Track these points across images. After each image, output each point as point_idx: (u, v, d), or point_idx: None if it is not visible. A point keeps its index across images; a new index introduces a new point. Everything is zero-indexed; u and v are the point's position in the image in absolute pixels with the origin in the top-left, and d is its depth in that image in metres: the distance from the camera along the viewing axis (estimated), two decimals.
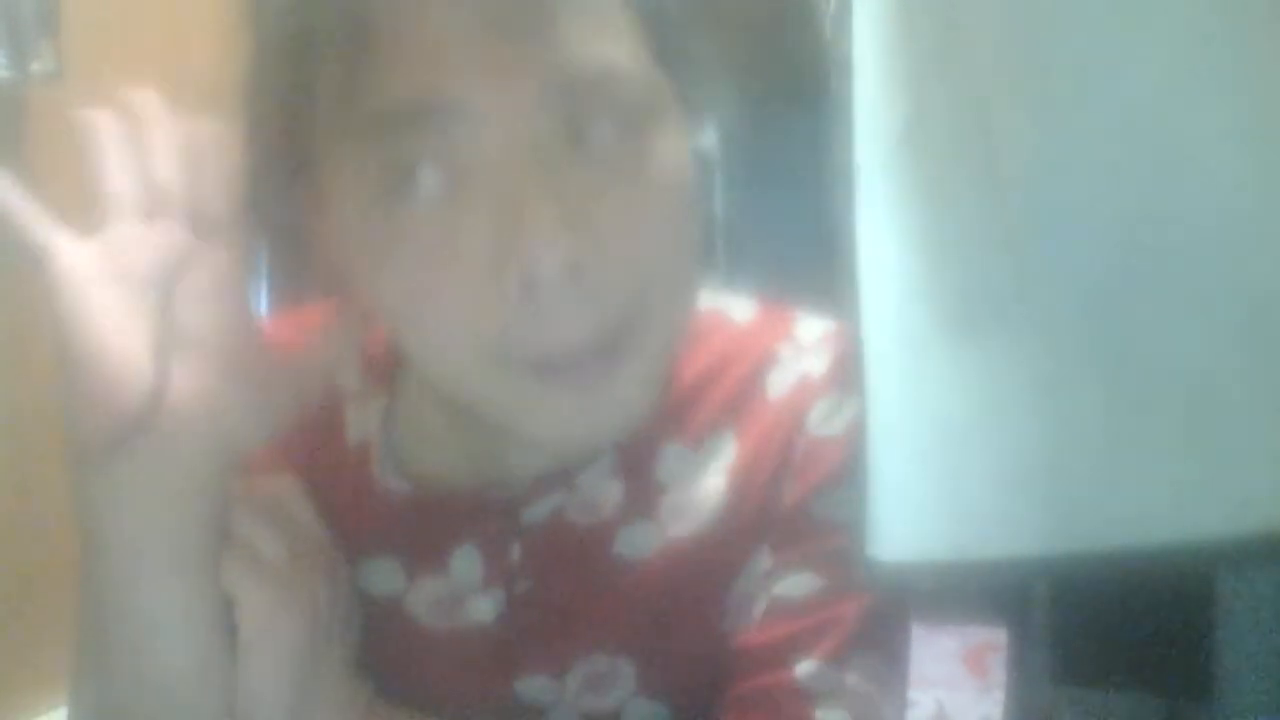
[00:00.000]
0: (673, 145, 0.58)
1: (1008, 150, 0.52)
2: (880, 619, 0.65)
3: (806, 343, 0.71)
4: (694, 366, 0.70)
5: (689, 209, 0.59)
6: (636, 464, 0.68)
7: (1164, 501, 0.49)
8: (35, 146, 1.62)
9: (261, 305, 0.84)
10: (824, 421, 0.67)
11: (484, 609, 0.68)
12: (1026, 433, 0.52)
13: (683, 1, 0.61)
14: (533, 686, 0.68)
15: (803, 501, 0.66)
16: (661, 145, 0.57)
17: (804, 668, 0.63)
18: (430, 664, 0.69)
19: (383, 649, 0.68)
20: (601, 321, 0.56)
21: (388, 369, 0.73)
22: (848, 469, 0.64)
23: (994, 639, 1.54)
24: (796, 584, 0.65)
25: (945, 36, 0.55)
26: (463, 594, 0.68)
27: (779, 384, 0.69)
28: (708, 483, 0.67)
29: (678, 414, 0.68)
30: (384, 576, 0.69)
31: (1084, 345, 0.51)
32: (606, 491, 0.68)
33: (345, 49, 0.54)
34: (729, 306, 0.74)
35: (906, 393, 0.55)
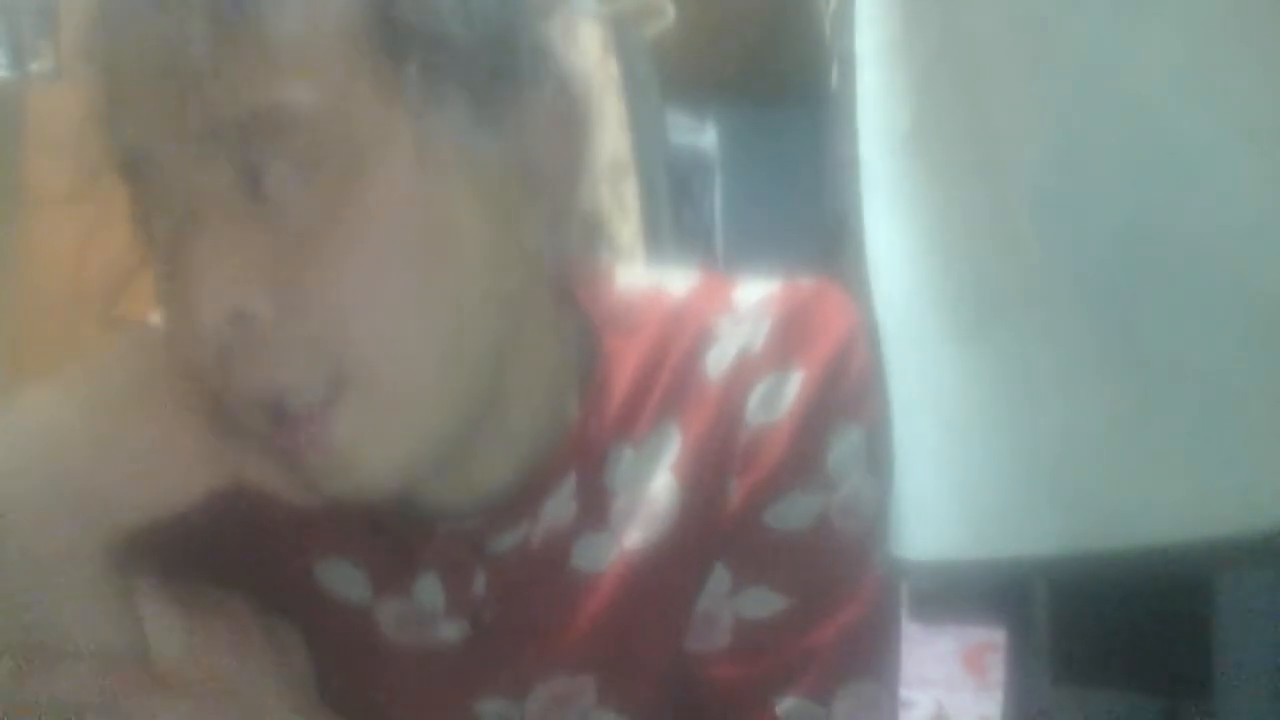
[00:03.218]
0: (386, 190, 0.54)
1: (1012, 149, 0.52)
2: (868, 638, 0.63)
3: (744, 311, 0.65)
4: (633, 354, 0.65)
5: (415, 257, 0.55)
6: (588, 472, 0.64)
7: (1172, 501, 0.49)
8: (35, 146, 1.62)
9: None
10: (764, 407, 0.62)
11: (449, 633, 0.66)
12: (1031, 432, 0.52)
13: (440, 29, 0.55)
14: (494, 708, 0.66)
15: (752, 509, 0.63)
16: (369, 191, 0.53)
17: (785, 707, 0.61)
18: (392, 680, 0.67)
19: (347, 658, 0.66)
20: (302, 371, 0.54)
21: None
22: (794, 466, 0.62)
23: (993, 639, 1.54)
24: (759, 603, 0.62)
25: (948, 35, 0.55)
26: (427, 618, 0.66)
27: (718, 363, 0.64)
28: (655, 483, 0.64)
29: (621, 411, 0.64)
30: (350, 583, 0.67)
31: (1091, 345, 0.51)
32: (568, 509, 0.65)
33: (97, 94, 0.55)
34: (666, 281, 0.68)
35: (913, 392, 0.55)
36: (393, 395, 0.55)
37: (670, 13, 1.43)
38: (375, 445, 0.56)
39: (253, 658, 0.61)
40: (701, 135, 1.77)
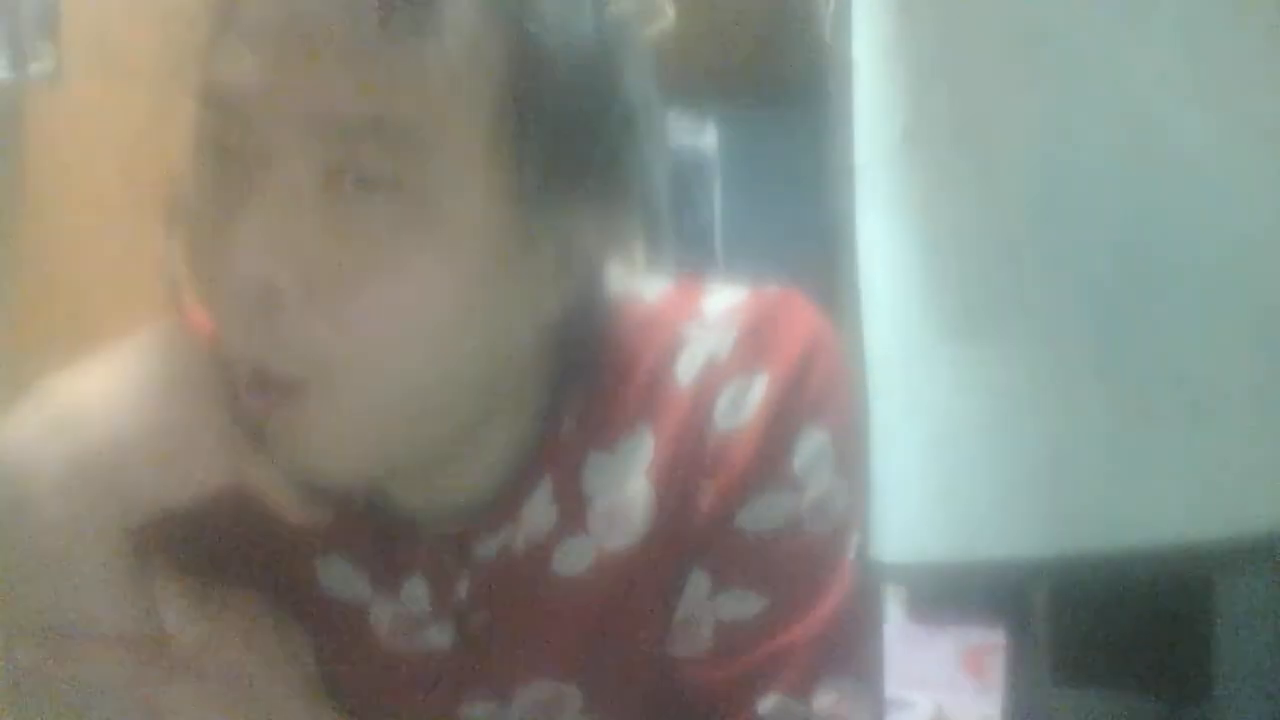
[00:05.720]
0: (443, 230, 0.55)
1: (1008, 152, 0.52)
2: (845, 635, 0.64)
3: (713, 319, 0.66)
4: (606, 360, 0.66)
5: (443, 300, 0.56)
6: (566, 477, 0.65)
7: (1165, 504, 0.49)
8: (35, 146, 1.62)
9: None
10: (730, 411, 0.64)
11: (437, 637, 0.67)
12: (1027, 435, 0.52)
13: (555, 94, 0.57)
14: (479, 712, 0.67)
15: (724, 512, 0.64)
16: (431, 225, 0.55)
17: (766, 704, 0.62)
18: (384, 681, 0.68)
19: (343, 657, 0.67)
20: (294, 351, 0.55)
21: None
22: (761, 469, 0.63)
23: (993, 640, 1.54)
24: (738, 605, 0.63)
25: (945, 38, 0.55)
26: (416, 621, 0.67)
27: (688, 368, 0.65)
28: (630, 487, 0.65)
29: (595, 416, 0.65)
30: (349, 582, 0.68)
31: (1085, 348, 0.51)
32: (548, 515, 0.65)
33: (213, 14, 0.56)
34: (638, 287, 0.69)
35: (907, 394, 0.55)
36: (358, 406, 0.57)
37: (670, 13, 1.44)
38: (329, 439, 0.58)
39: (263, 650, 0.63)
40: (701, 136, 1.77)
